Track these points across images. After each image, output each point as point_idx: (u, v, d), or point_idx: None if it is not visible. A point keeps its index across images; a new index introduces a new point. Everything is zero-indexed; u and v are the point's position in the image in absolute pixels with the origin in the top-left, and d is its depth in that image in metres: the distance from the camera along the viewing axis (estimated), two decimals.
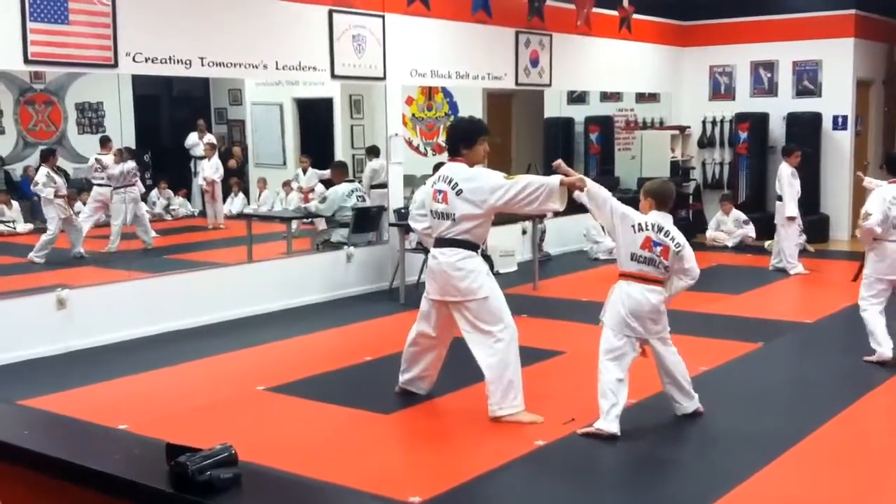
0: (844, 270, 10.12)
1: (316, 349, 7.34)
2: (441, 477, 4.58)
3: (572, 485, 4.57)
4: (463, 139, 5.42)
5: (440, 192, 5.35)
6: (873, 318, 6.61)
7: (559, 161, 5.34)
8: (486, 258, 5.50)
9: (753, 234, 12.30)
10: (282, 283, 8.75)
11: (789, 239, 10.37)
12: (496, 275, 9.56)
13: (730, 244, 12.30)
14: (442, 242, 5.38)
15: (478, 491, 4.49)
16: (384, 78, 9.64)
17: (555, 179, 5.13)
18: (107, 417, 5.25)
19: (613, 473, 4.74)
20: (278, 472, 3.80)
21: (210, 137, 11.99)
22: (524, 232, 11.13)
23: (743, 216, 12.55)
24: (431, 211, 5.46)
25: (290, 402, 5.88)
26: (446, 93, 12.97)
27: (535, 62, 11.54)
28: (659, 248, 5.03)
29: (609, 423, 4.96)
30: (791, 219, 10.22)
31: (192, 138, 12.15)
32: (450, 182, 5.31)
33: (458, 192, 5.26)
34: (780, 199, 10.30)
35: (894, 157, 7.00)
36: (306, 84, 10.08)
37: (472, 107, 12.50)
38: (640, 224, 5.08)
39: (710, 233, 12.61)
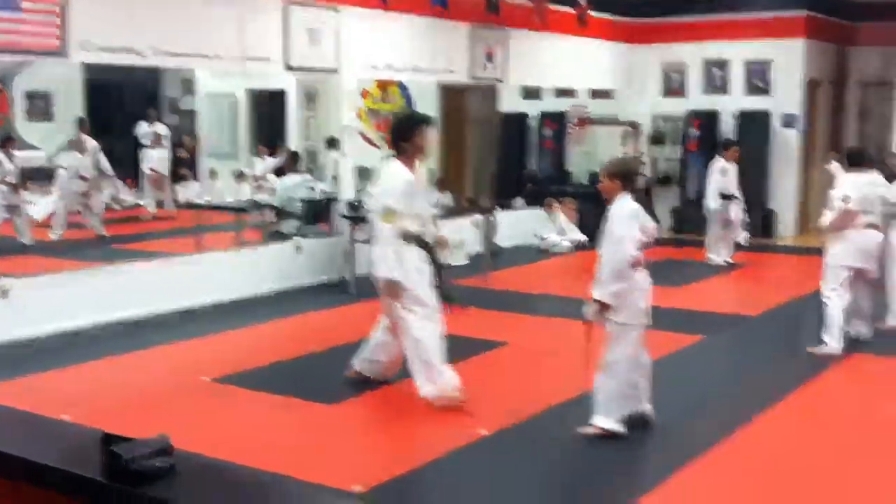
0: (790, 265, 10.37)
1: (264, 340, 7.34)
2: (383, 466, 4.64)
3: (512, 474, 4.64)
4: (400, 134, 5.62)
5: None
6: (835, 311, 6.73)
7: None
8: (424, 246, 5.59)
9: None
10: (231, 274, 8.72)
11: (710, 230, 10.65)
12: (448, 267, 9.65)
13: None
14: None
15: (420, 480, 4.55)
16: (338, 70, 9.64)
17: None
18: (48, 408, 5.22)
19: (551, 463, 4.81)
20: (215, 461, 3.81)
21: (158, 127, 11.91)
22: (475, 224, 11.19)
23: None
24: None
25: (236, 392, 5.89)
26: (402, 86, 12.99)
27: (490, 57, 11.60)
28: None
29: None
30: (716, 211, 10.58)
31: (143, 127, 12.06)
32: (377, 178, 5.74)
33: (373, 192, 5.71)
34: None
35: (855, 151, 7.42)
36: (260, 75, 10.06)
37: (427, 100, 12.54)
38: (637, 248, 4.90)
39: None
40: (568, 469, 4.77)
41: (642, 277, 4.96)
